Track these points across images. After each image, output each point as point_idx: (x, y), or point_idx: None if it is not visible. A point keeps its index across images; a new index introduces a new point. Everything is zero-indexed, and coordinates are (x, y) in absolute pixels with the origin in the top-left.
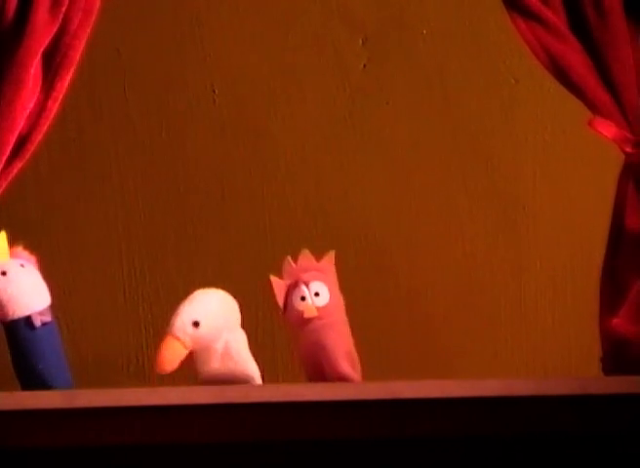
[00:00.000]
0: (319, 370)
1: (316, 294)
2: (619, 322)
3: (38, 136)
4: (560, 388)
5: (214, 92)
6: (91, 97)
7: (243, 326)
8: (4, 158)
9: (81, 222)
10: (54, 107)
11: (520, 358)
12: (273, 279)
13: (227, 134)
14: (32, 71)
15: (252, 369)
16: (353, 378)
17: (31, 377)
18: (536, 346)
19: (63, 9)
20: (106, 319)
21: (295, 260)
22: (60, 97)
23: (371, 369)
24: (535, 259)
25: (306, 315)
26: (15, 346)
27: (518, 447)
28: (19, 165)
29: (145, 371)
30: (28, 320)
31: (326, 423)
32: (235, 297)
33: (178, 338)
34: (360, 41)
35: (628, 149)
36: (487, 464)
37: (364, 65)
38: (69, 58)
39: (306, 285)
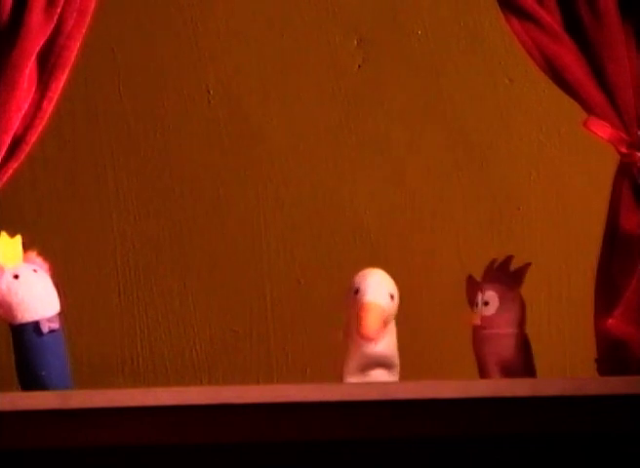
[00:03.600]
0: (482, 375)
1: (485, 303)
2: (614, 322)
3: (33, 137)
4: (555, 389)
5: (208, 92)
6: (85, 97)
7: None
8: None
9: (76, 223)
10: (49, 108)
11: None
12: (470, 277)
13: (222, 134)
14: (27, 72)
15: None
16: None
17: (33, 383)
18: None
19: (58, 9)
20: (101, 320)
21: (497, 262)
22: (55, 97)
23: None
24: (530, 260)
25: (469, 321)
26: (20, 350)
27: (513, 447)
28: (13, 165)
29: (140, 372)
30: (36, 325)
31: (320, 424)
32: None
33: (381, 305)
34: (355, 41)
35: (623, 150)
36: (482, 465)
37: (359, 66)
38: (64, 58)
39: (482, 291)
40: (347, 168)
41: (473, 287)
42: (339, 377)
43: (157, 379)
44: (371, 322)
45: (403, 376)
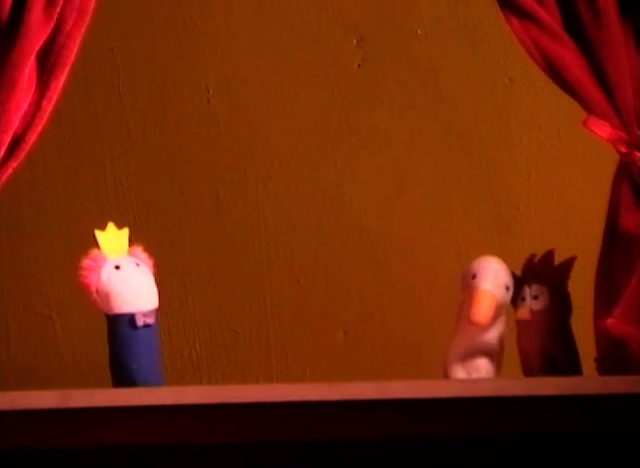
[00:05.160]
0: (525, 369)
1: (535, 297)
2: (613, 322)
3: (33, 137)
4: (554, 388)
5: (208, 92)
6: (85, 97)
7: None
8: None
9: (75, 222)
10: (48, 107)
11: (514, 358)
12: (511, 272)
13: (222, 134)
14: (27, 71)
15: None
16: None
17: (123, 375)
18: None
19: (58, 9)
20: (100, 319)
21: (537, 257)
22: (55, 97)
23: (365, 368)
24: None
25: (518, 316)
26: (113, 341)
27: (513, 447)
28: (13, 165)
29: None
30: (131, 318)
31: (320, 424)
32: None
33: (494, 294)
34: (354, 41)
35: (623, 149)
36: (482, 464)
37: (358, 65)
38: (64, 57)
39: (529, 286)
40: (347, 167)
41: (516, 282)
42: (442, 362)
43: None
44: (483, 309)
45: (402, 376)
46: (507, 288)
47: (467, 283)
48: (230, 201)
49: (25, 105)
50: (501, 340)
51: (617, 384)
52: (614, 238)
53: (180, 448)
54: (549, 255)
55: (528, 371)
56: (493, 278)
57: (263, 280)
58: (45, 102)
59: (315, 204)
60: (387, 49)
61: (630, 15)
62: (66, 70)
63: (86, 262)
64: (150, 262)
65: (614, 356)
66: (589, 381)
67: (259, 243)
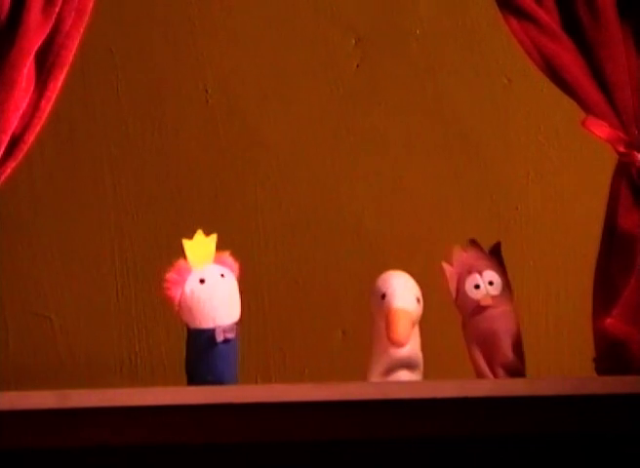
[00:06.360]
0: (488, 356)
1: (490, 283)
2: (612, 322)
3: (31, 137)
4: (553, 388)
5: (206, 92)
6: (83, 97)
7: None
8: None
9: (74, 222)
10: (47, 107)
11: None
12: (445, 266)
13: (220, 134)
14: (25, 71)
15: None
16: (519, 369)
17: (198, 385)
18: (529, 346)
19: (57, 9)
20: (99, 319)
21: (464, 249)
22: (54, 97)
23: (364, 368)
24: (528, 260)
25: (483, 303)
26: (191, 352)
27: (512, 447)
28: (11, 165)
29: (138, 372)
30: (212, 333)
31: (319, 424)
32: None
33: (409, 311)
34: (353, 41)
35: (621, 149)
36: (481, 464)
37: (357, 65)
38: (62, 57)
39: (480, 273)
40: (345, 167)
41: (458, 272)
42: (364, 379)
43: (155, 379)
44: (401, 328)
45: None
46: (418, 300)
47: (377, 302)
48: (228, 201)
49: (24, 105)
50: (419, 349)
51: (615, 384)
52: (612, 238)
53: (180, 448)
54: (476, 244)
55: (494, 357)
56: (402, 294)
57: (262, 280)
58: (43, 102)
59: (313, 204)
60: (386, 49)
61: (629, 15)
62: (65, 70)
63: (171, 275)
64: (236, 266)
65: (612, 356)
66: (588, 381)
67: (257, 243)
